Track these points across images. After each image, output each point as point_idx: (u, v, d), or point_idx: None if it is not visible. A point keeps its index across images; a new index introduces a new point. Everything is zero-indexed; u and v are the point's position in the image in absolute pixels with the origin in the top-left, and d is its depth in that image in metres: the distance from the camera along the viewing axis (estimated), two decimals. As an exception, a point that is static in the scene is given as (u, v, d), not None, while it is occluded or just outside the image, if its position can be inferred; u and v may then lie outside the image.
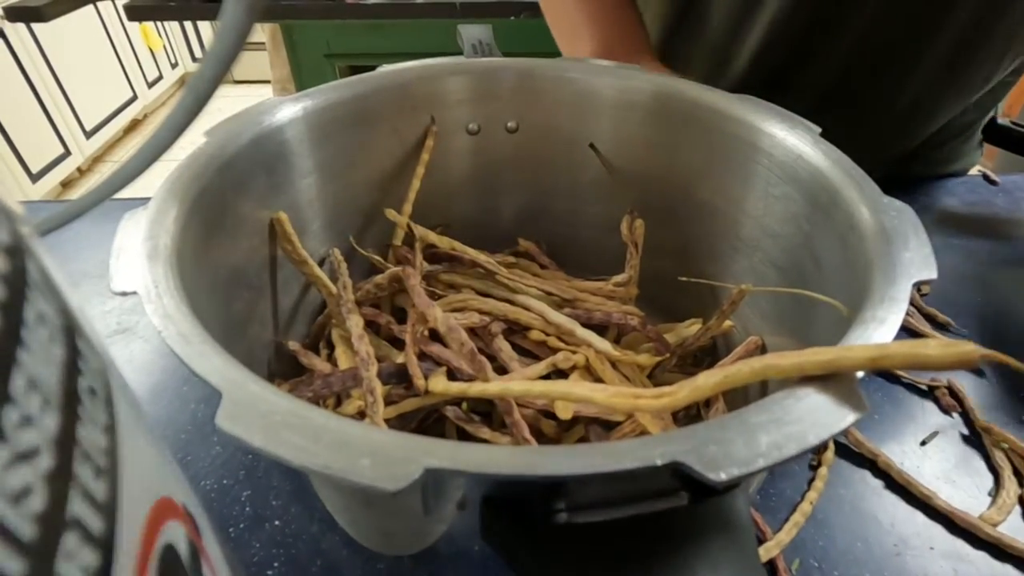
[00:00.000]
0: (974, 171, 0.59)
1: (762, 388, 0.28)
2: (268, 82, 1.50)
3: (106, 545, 0.07)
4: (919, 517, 0.30)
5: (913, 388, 0.37)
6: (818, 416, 0.16)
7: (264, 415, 0.16)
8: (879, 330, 0.19)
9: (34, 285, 0.08)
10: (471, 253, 0.36)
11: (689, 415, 0.31)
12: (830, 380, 0.17)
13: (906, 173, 0.56)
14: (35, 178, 1.83)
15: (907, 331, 0.40)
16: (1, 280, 0.07)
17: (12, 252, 0.07)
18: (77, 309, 0.10)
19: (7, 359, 0.06)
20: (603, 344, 0.31)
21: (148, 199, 0.24)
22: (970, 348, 0.16)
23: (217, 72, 0.17)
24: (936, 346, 0.16)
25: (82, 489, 0.07)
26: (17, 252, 0.08)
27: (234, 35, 0.16)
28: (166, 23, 2.44)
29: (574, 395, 0.22)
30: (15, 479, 0.06)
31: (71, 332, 0.09)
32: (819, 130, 0.29)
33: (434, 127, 0.37)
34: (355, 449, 0.15)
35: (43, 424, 0.07)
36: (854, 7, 0.44)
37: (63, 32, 1.89)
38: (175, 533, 0.10)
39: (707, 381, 0.19)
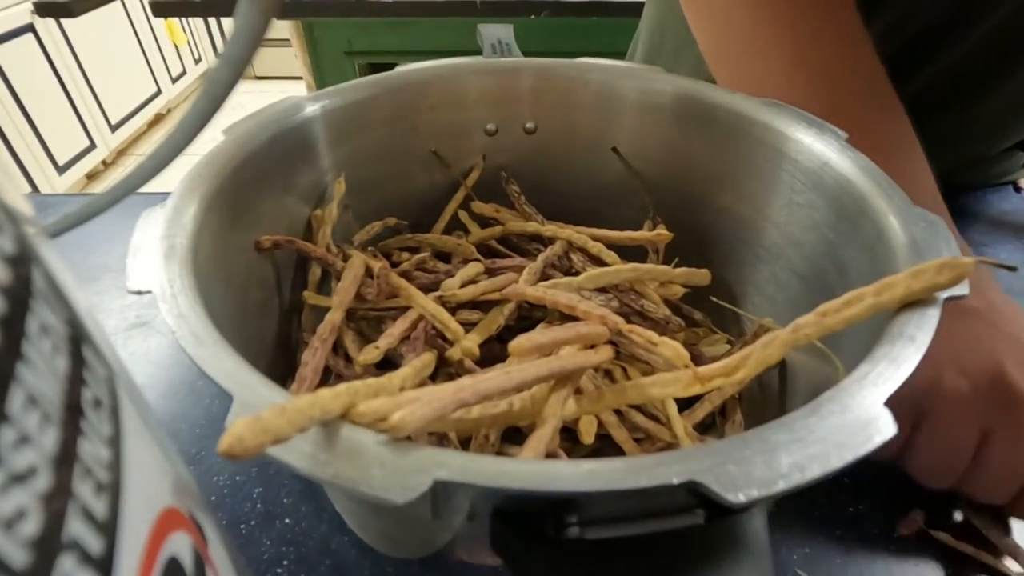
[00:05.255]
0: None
1: (780, 405, 0.27)
2: (289, 78, 1.51)
3: (104, 565, 0.07)
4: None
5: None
6: (843, 436, 0.16)
7: (274, 420, 0.15)
8: (907, 348, 0.18)
9: (38, 294, 0.08)
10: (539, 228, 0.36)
11: (704, 425, 0.31)
12: (856, 399, 0.17)
13: (947, 184, 0.54)
14: (61, 170, 1.87)
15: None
16: (1, 292, 0.06)
17: (16, 261, 0.07)
18: (86, 314, 0.10)
19: (5, 376, 0.06)
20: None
21: (169, 194, 0.24)
22: (967, 261, 0.19)
23: (232, 75, 0.17)
24: (941, 268, 0.19)
25: (81, 508, 0.07)
26: (22, 261, 0.07)
27: (248, 37, 0.16)
28: (190, 19, 2.48)
29: (653, 394, 0.21)
30: (8, 503, 0.06)
31: (77, 341, 0.09)
32: (846, 136, 0.29)
33: (482, 161, 0.38)
34: (365, 458, 0.14)
35: (42, 442, 0.06)
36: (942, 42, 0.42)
37: (91, 27, 1.93)
38: (180, 544, 0.10)
39: (775, 343, 0.19)
